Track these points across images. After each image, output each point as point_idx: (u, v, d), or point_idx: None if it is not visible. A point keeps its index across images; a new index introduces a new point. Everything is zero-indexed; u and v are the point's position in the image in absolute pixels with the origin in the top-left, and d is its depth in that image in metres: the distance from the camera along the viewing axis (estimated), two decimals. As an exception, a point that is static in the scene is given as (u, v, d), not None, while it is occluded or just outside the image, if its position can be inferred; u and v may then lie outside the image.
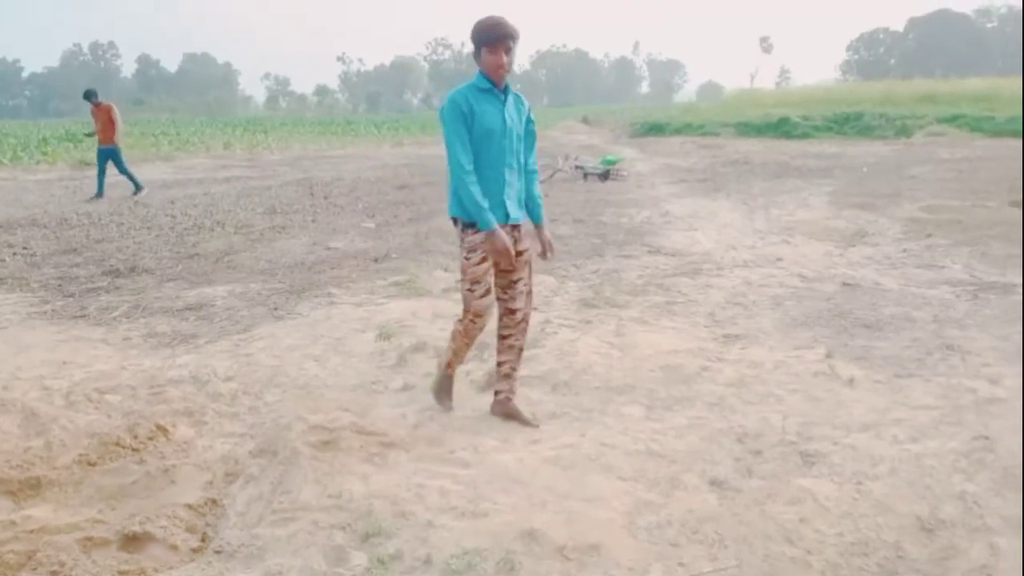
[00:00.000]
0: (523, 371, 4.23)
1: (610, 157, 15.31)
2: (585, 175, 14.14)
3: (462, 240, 3.48)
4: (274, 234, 9.07)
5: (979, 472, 3.02)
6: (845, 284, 6.13)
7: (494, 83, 3.40)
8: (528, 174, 3.63)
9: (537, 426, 3.61)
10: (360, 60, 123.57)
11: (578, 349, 4.58)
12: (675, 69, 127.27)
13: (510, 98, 3.46)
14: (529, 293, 3.68)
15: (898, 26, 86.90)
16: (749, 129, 24.66)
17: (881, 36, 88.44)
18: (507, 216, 3.48)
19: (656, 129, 27.77)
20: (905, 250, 7.43)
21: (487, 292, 3.51)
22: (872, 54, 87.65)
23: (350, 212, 10.81)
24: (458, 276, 3.79)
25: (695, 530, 2.72)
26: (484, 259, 3.44)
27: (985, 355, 4.37)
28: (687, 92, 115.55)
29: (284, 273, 7.00)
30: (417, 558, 2.55)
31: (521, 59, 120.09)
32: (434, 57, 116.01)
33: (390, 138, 31.11)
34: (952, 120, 22.64)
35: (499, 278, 3.57)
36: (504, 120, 3.42)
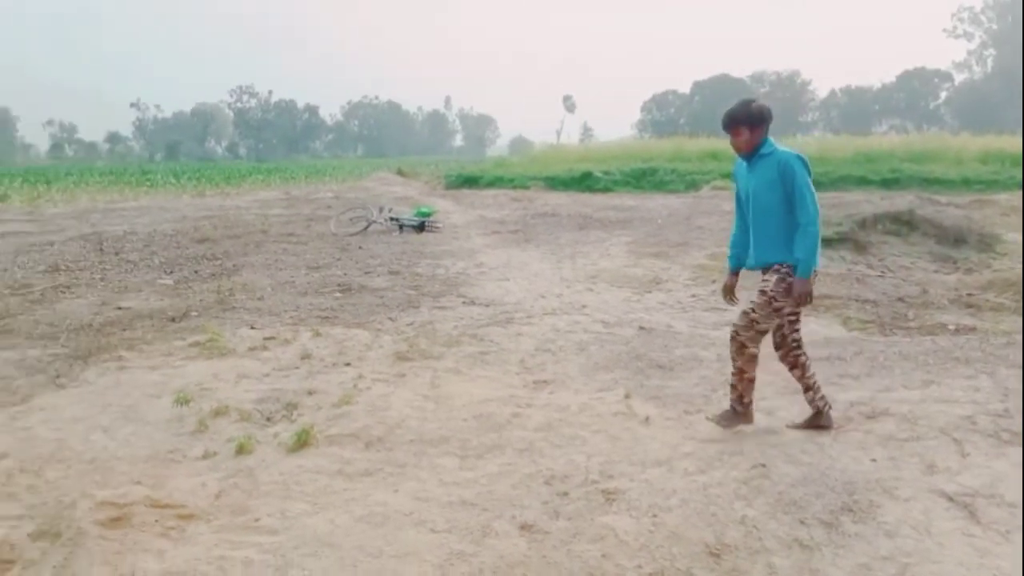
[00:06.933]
0: (334, 429, 4.16)
1: (424, 209, 15.49)
2: (401, 227, 14.21)
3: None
4: (56, 294, 8.29)
5: (757, 497, 3.33)
6: (642, 328, 6.58)
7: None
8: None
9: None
10: (157, 107, 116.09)
11: (392, 403, 4.56)
12: (486, 123, 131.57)
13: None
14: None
15: (685, 89, 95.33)
16: (556, 183, 25.91)
17: (671, 98, 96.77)
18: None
19: (470, 181, 28.41)
20: (694, 295, 8.11)
21: None
22: (664, 114, 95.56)
23: (144, 268, 10.09)
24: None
25: (506, 576, 2.78)
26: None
27: (762, 390, 4.84)
28: (499, 147, 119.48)
29: (68, 337, 6.40)
30: (217, 638, 2.40)
31: (332, 109, 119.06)
32: (239, 105, 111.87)
33: (191, 189, 29.41)
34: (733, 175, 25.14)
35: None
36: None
